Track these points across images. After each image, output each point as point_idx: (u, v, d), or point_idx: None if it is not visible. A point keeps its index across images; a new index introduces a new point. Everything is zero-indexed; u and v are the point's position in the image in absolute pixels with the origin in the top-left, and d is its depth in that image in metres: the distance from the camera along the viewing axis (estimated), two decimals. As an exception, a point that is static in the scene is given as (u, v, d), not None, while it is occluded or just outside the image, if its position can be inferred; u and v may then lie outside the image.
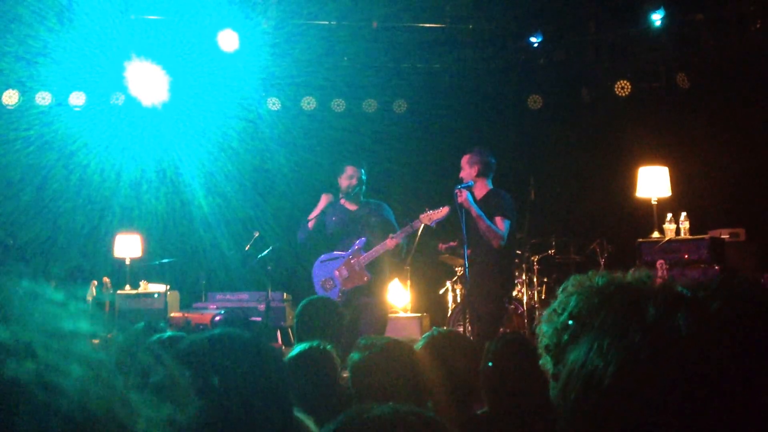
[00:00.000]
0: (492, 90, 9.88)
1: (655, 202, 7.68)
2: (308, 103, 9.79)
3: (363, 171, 6.71)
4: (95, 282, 8.26)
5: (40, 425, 0.59)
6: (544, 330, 1.21)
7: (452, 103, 9.89)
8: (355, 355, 2.84)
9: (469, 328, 6.15)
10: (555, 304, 1.20)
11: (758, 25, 8.07)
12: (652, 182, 7.78)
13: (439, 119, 9.91)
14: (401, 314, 9.25)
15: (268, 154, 9.84)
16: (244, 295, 8.88)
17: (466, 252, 6.04)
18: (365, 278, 6.47)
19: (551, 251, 8.79)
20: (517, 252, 8.09)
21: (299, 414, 1.90)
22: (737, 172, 8.37)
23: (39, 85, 9.01)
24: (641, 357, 0.83)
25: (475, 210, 6.12)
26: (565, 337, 1.15)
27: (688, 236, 7.40)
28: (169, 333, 2.84)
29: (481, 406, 3.05)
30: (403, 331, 8.45)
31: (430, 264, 9.12)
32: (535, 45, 9.23)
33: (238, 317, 8.15)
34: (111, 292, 8.42)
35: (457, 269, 8.65)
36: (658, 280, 1.02)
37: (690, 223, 7.50)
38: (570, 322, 1.14)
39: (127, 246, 8.96)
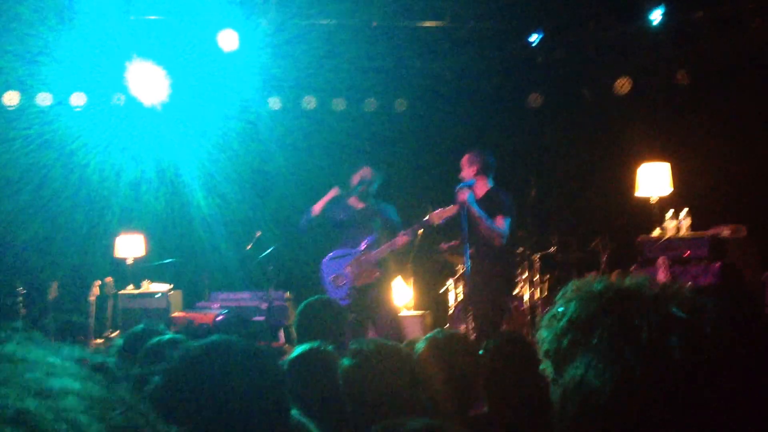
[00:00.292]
0: (492, 88, 9.87)
1: (656, 200, 7.67)
2: (308, 103, 9.78)
3: (379, 176, 6.84)
4: (98, 282, 8.27)
5: None
6: (544, 335, 1.22)
7: (453, 102, 9.87)
8: (345, 361, 2.79)
9: (470, 326, 6.16)
10: (554, 310, 1.20)
11: (758, 23, 8.06)
12: (653, 179, 7.77)
13: (440, 118, 9.90)
14: (404, 312, 9.24)
15: (268, 154, 9.83)
16: (246, 295, 8.87)
17: (467, 250, 6.05)
18: (376, 274, 6.51)
19: (552, 249, 8.79)
20: (518, 251, 8.10)
21: (299, 417, 1.89)
22: (738, 168, 8.36)
23: (39, 84, 9.00)
24: (635, 378, 0.83)
25: (475, 209, 6.13)
26: (565, 342, 1.15)
27: (689, 233, 7.40)
28: (168, 336, 2.83)
29: (482, 407, 3.05)
30: (406, 329, 8.44)
31: (431, 262, 9.12)
32: (535, 44, 9.22)
33: (236, 320, 8.13)
34: (114, 291, 8.43)
35: (458, 268, 8.65)
36: (660, 278, 1.02)
37: (691, 220, 7.49)
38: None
39: (130, 246, 8.96)
